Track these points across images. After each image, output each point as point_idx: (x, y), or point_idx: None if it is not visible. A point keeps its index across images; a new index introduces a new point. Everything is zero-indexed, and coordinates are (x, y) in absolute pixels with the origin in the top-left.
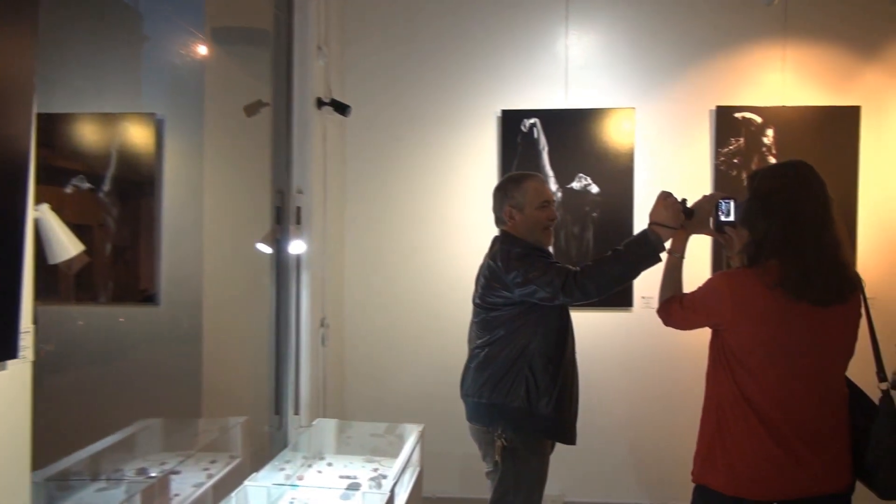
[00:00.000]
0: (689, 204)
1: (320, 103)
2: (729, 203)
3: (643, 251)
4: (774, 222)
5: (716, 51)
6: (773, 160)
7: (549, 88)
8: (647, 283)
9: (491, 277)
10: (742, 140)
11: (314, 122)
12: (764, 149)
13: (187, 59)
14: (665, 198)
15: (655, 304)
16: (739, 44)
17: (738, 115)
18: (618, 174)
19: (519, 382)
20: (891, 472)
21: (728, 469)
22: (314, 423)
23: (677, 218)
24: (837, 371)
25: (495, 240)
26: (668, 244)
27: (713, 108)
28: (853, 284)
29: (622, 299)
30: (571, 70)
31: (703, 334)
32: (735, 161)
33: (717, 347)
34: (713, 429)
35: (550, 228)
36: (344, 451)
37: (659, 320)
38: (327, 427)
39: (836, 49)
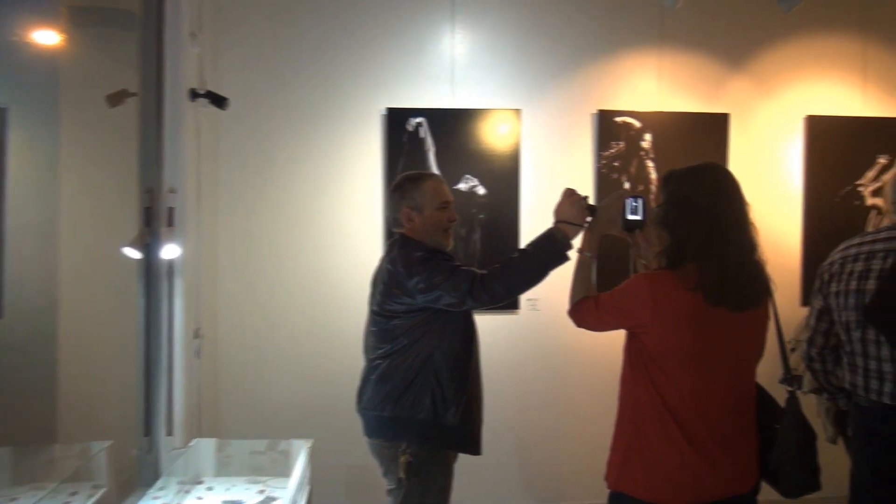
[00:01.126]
0: (609, 201)
1: (194, 95)
2: (637, 202)
3: (551, 250)
4: (695, 225)
5: (598, 55)
6: (650, 164)
7: (435, 87)
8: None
9: (391, 283)
10: (622, 144)
11: (187, 115)
12: (642, 153)
13: (38, 41)
14: (570, 195)
15: (541, 306)
16: (620, 50)
17: (618, 119)
18: (504, 176)
19: (424, 393)
20: (796, 471)
21: (646, 475)
22: (190, 443)
23: (583, 215)
24: (750, 373)
25: (393, 243)
26: (576, 243)
27: (595, 111)
28: (767, 288)
29: (508, 302)
30: (458, 69)
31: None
32: (615, 164)
33: (633, 351)
34: (631, 435)
35: (450, 230)
36: (225, 473)
37: (549, 323)
38: (205, 447)
39: (707, 58)
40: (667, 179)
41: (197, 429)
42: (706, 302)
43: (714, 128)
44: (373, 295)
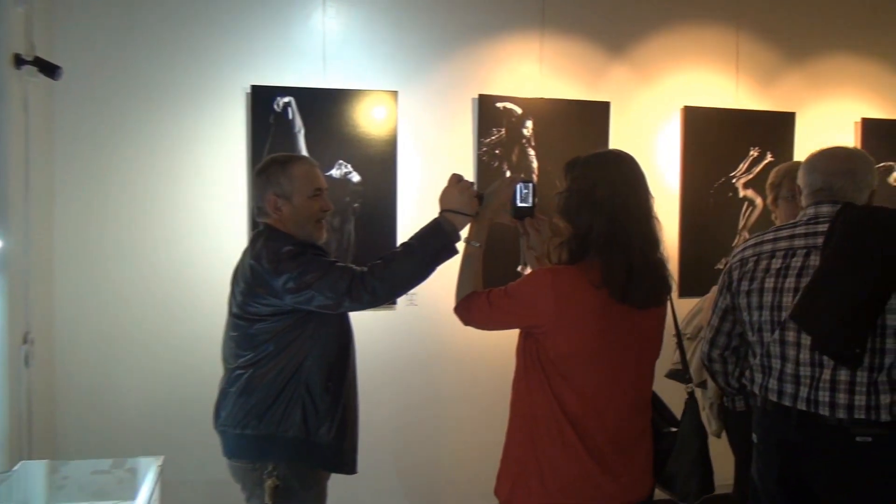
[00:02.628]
0: (498, 186)
1: (19, 61)
2: (527, 188)
3: (438, 243)
4: (599, 217)
5: (479, 38)
6: (532, 152)
7: (305, 64)
8: None
9: (254, 282)
10: (504, 131)
11: (11, 84)
12: (524, 140)
13: None
14: (457, 181)
15: (420, 301)
16: (501, 33)
17: (499, 104)
18: (380, 162)
19: (294, 407)
20: (695, 476)
21: (542, 488)
22: (16, 467)
23: (472, 203)
24: (649, 374)
25: (257, 235)
26: (464, 233)
27: (476, 96)
28: (668, 286)
29: None
30: (330, 46)
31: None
32: (497, 152)
33: (529, 354)
34: (525, 444)
35: (324, 221)
36: (59, 498)
37: (428, 319)
38: (34, 471)
39: (588, 45)
40: (571, 166)
41: (27, 449)
42: (611, 299)
43: (595, 116)
44: (233, 295)
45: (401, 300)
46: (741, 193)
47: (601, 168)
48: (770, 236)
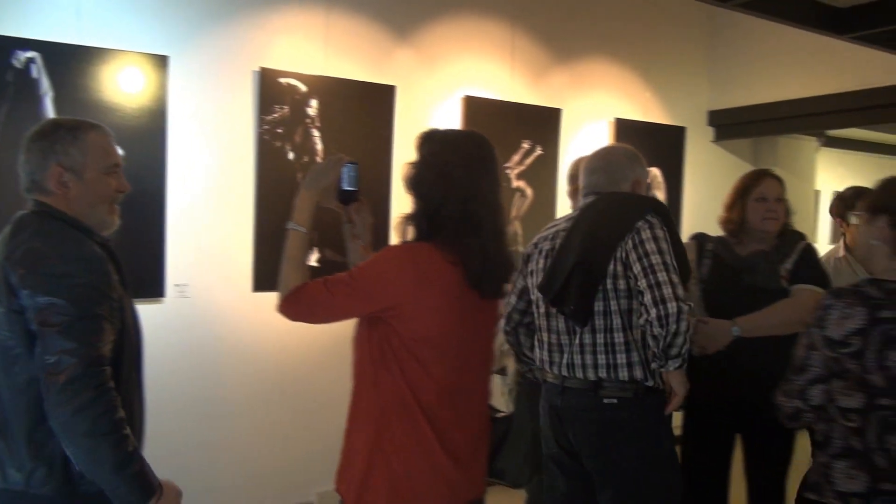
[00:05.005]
0: (326, 167)
1: None
2: (354, 170)
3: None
4: (452, 195)
5: (260, 3)
6: (316, 133)
7: (54, 13)
8: (180, 269)
9: None
10: (287, 109)
11: None
12: (308, 120)
13: None
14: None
15: (191, 292)
16: (285, 2)
17: (282, 80)
18: (147, 136)
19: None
20: (528, 461)
21: (391, 491)
22: None
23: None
24: (491, 363)
25: (24, 222)
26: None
27: (257, 69)
28: (509, 278)
29: (151, 288)
30: None
31: (252, 329)
32: (279, 131)
33: (377, 340)
34: (373, 442)
35: (116, 205)
36: None
37: (202, 311)
38: None
39: (374, 26)
40: (427, 139)
41: None
42: (466, 282)
43: (381, 99)
44: None
45: (170, 291)
46: (514, 184)
47: (461, 148)
48: (553, 223)
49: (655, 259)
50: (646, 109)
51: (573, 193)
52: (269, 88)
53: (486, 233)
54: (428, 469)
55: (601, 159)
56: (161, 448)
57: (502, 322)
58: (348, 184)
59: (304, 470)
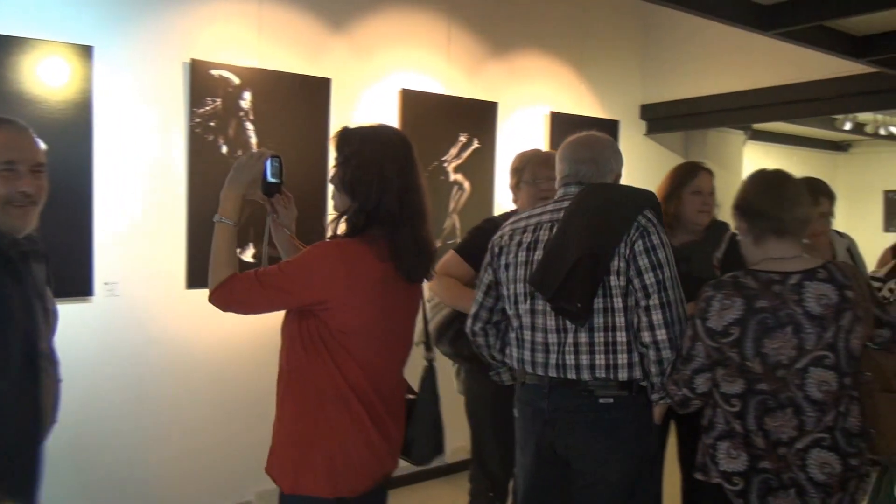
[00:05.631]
0: (250, 159)
1: None
2: (277, 162)
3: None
4: (389, 193)
5: None
6: (250, 126)
7: None
8: (110, 267)
9: None
10: (219, 101)
11: None
12: (242, 113)
13: None
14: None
15: (120, 290)
16: None
17: (214, 72)
18: (70, 130)
19: None
20: (432, 439)
21: (329, 468)
22: None
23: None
24: (411, 343)
25: None
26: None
27: (187, 60)
28: (434, 260)
29: (79, 286)
30: None
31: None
32: (211, 124)
33: (308, 331)
34: (311, 428)
35: (29, 207)
36: None
37: (132, 310)
38: None
39: (308, 17)
40: (348, 139)
41: None
42: (394, 273)
43: (316, 92)
44: None
45: (99, 290)
46: (451, 177)
47: (387, 144)
48: (526, 214)
49: (667, 273)
50: (580, 103)
51: (515, 186)
52: (201, 80)
53: (417, 224)
54: (363, 445)
55: (589, 149)
56: (93, 450)
57: (469, 322)
58: (272, 175)
59: (241, 469)
